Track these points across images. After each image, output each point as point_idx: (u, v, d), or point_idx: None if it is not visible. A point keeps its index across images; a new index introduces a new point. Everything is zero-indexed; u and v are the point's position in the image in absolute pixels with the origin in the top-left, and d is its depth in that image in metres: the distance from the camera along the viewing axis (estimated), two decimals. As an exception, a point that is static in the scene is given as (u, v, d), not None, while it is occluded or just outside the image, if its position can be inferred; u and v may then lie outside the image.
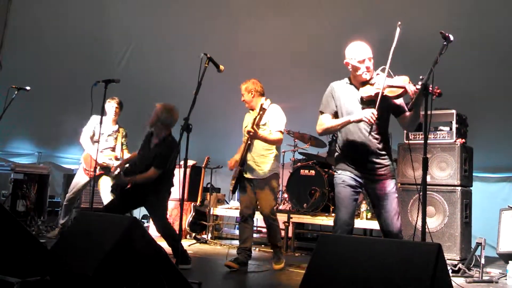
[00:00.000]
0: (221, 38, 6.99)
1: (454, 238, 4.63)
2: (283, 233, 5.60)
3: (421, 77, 2.87)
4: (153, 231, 6.51)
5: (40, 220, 6.39)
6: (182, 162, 3.29)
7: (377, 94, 3.08)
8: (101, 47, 7.58)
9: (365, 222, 5.62)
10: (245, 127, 4.56)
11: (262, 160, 4.49)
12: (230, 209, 6.86)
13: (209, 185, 7.03)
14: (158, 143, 4.32)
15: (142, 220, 7.86)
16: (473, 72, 6.17)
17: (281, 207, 6.49)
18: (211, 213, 6.73)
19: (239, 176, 4.52)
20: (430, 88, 2.85)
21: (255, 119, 4.21)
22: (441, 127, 4.95)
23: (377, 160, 3.25)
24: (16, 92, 5.31)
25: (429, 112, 2.81)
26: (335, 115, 3.33)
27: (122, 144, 5.71)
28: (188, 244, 6.00)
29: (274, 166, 4.51)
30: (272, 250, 4.77)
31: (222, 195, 7.42)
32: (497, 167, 6.96)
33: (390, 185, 3.25)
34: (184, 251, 4.35)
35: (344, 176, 3.27)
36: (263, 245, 6.30)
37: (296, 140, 6.74)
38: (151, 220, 6.76)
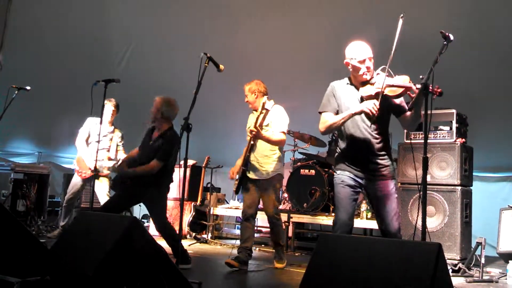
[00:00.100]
0: (221, 38, 7.00)
1: (454, 237, 4.63)
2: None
3: (421, 76, 2.86)
4: (153, 230, 6.53)
5: (40, 220, 6.39)
6: (182, 162, 3.29)
7: (377, 93, 3.08)
8: (101, 47, 7.58)
9: (365, 222, 5.62)
10: (249, 127, 4.57)
11: (266, 160, 4.51)
12: (230, 209, 6.86)
13: (209, 185, 7.03)
14: (160, 136, 4.31)
15: (142, 220, 7.85)
16: (473, 72, 6.17)
17: (281, 207, 6.48)
18: (211, 212, 6.73)
19: (242, 176, 4.53)
20: (430, 88, 2.85)
21: (257, 118, 4.24)
22: (441, 127, 4.95)
23: (377, 161, 3.25)
24: (16, 92, 5.31)
25: (429, 112, 2.81)
26: (337, 114, 3.32)
27: (117, 145, 5.72)
28: (188, 243, 6.00)
29: (277, 166, 4.55)
30: (273, 250, 4.78)
31: (222, 194, 7.41)
32: (497, 167, 6.96)
33: (390, 186, 3.25)
34: (184, 251, 4.35)
35: (344, 176, 3.27)
36: (263, 245, 6.30)
37: (296, 139, 6.74)
38: (151, 219, 6.80)
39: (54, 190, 8.01)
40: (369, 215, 5.65)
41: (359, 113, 3.13)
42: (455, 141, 4.81)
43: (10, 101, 5.21)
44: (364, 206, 5.68)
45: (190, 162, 6.39)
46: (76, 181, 5.72)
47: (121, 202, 4.37)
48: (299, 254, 5.72)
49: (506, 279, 4.38)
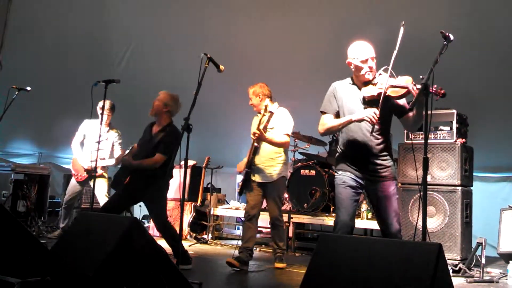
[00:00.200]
0: (221, 38, 7.00)
1: (454, 238, 4.63)
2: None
3: (421, 77, 2.86)
4: (153, 231, 6.53)
5: (40, 221, 6.39)
6: (182, 162, 3.29)
7: (379, 94, 3.07)
8: (101, 47, 7.59)
9: (365, 222, 5.62)
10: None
11: (271, 163, 4.55)
12: (230, 209, 6.86)
13: (209, 185, 7.03)
14: (161, 130, 4.31)
15: (143, 221, 7.85)
16: (473, 72, 6.17)
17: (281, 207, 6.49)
18: (211, 213, 6.73)
19: (247, 178, 4.55)
20: (434, 89, 2.85)
21: (261, 121, 4.28)
22: (441, 127, 4.95)
23: (379, 161, 3.24)
24: (16, 93, 5.32)
25: (429, 112, 2.81)
26: (337, 115, 3.31)
27: (113, 145, 5.72)
28: (188, 244, 6.00)
29: (283, 169, 4.59)
30: (274, 250, 4.79)
31: (222, 195, 7.41)
32: (498, 167, 6.95)
33: (391, 187, 3.24)
34: (185, 251, 4.35)
35: (345, 177, 3.26)
36: (263, 245, 6.30)
37: (296, 140, 6.74)
38: (151, 220, 6.80)
39: (55, 190, 8.01)
40: (370, 215, 5.65)
41: (359, 121, 3.14)
42: (456, 141, 4.81)
43: (10, 102, 5.21)
44: (364, 207, 5.68)
45: (190, 162, 6.39)
46: (73, 183, 5.78)
47: (121, 202, 4.36)
48: (300, 255, 5.72)
49: (506, 279, 4.38)
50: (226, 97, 7.57)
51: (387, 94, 3.06)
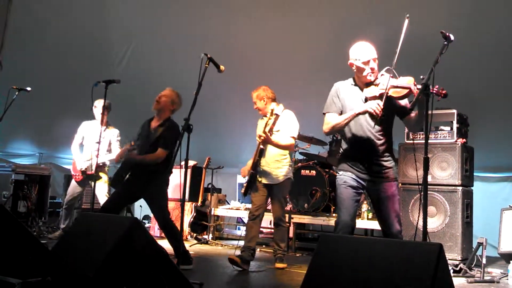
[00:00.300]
0: (221, 38, 7.00)
1: (455, 238, 4.63)
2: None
3: (421, 77, 2.86)
4: (153, 231, 6.54)
5: (41, 221, 6.40)
6: (183, 163, 3.29)
7: (381, 94, 3.07)
8: (101, 47, 7.58)
9: (366, 222, 5.62)
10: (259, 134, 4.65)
11: (277, 165, 4.60)
12: (231, 210, 6.86)
13: (210, 186, 7.03)
14: (160, 124, 4.31)
15: (143, 221, 7.85)
16: (473, 72, 6.17)
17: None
18: (212, 213, 6.73)
19: (251, 179, 4.58)
20: (436, 89, 2.85)
21: (266, 124, 4.34)
22: (442, 127, 4.95)
23: (380, 162, 3.24)
24: (16, 93, 5.32)
25: (429, 112, 2.81)
26: (341, 115, 3.31)
27: (110, 143, 5.73)
28: (189, 244, 6.00)
29: (288, 171, 4.65)
30: (274, 250, 4.80)
31: (223, 195, 7.41)
32: (498, 167, 6.95)
33: (392, 187, 3.23)
34: (186, 251, 4.35)
35: (346, 177, 3.26)
36: (264, 246, 6.30)
37: (296, 140, 6.73)
38: (151, 220, 6.80)
39: (55, 191, 8.01)
40: (370, 215, 5.65)
41: (363, 113, 3.12)
42: (456, 141, 4.81)
43: (10, 102, 5.21)
44: (365, 207, 5.67)
45: (191, 163, 6.39)
46: (74, 184, 5.83)
47: (122, 200, 4.37)
48: (300, 255, 5.72)
49: (507, 279, 4.38)
50: (226, 97, 7.57)
51: (389, 94, 3.06)
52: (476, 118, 5.42)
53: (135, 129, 5.28)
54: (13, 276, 2.85)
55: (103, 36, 7.52)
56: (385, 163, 3.25)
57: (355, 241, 2.55)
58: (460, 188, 4.70)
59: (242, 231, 7.65)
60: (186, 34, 7.24)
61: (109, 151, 5.71)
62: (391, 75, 3.06)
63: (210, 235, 6.63)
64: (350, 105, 3.27)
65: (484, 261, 4.37)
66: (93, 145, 5.52)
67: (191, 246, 5.96)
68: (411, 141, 4.97)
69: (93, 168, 5.51)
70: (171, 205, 6.41)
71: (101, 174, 5.69)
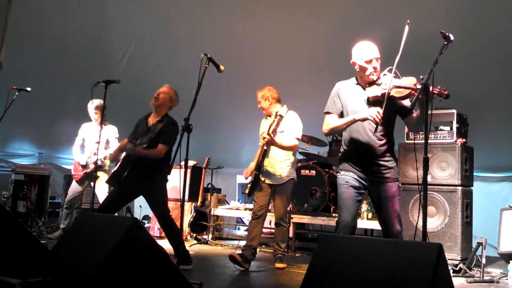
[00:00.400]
0: (221, 38, 7.00)
1: (455, 238, 4.63)
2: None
3: (421, 77, 2.86)
4: (153, 231, 6.54)
5: (41, 221, 6.40)
6: (182, 163, 3.29)
7: (383, 94, 3.07)
8: (101, 47, 7.58)
9: (366, 222, 5.62)
10: (262, 133, 4.68)
11: (280, 166, 4.63)
12: (230, 210, 6.86)
13: (209, 186, 7.03)
14: (159, 121, 4.32)
15: (143, 221, 7.85)
16: (473, 72, 6.17)
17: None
18: (211, 213, 6.73)
19: (255, 180, 4.61)
20: (438, 90, 2.86)
21: (271, 125, 4.38)
22: (441, 127, 4.96)
23: (382, 162, 3.24)
24: (16, 93, 5.33)
25: (429, 112, 2.81)
26: (341, 115, 3.31)
27: (108, 142, 5.75)
28: (189, 244, 5.99)
29: (291, 171, 4.67)
30: (274, 250, 4.81)
31: (222, 195, 7.41)
32: (498, 167, 6.95)
33: (393, 188, 3.23)
34: (186, 251, 4.35)
35: (348, 177, 3.26)
36: (263, 246, 6.30)
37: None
38: (151, 220, 6.80)
39: (55, 191, 8.02)
40: (370, 215, 5.64)
41: (362, 120, 3.13)
42: (456, 141, 4.81)
43: (10, 103, 5.21)
44: (365, 207, 5.67)
45: (191, 163, 6.38)
46: (75, 184, 5.85)
47: (121, 199, 4.37)
48: (300, 255, 5.72)
49: (507, 279, 4.38)
50: (226, 97, 7.56)
51: (391, 94, 3.06)
52: (476, 118, 5.42)
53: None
54: (13, 276, 2.85)
55: (103, 36, 7.52)
56: (386, 163, 3.25)
57: (355, 241, 2.56)
58: (460, 188, 4.70)
59: (242, 231, 7.65)
60: (186, 34, 7.24)
61: (107, 148, 5.72)
62: (394, 75, 3.06)
63: (210, 235, 6.63)
64: (351, 105, 3.27)
65: (483, 261, 4.37)
66: (93, 145, 5.54)
67: (191, 246, 5.96)
68: (411, 141, 4.98)
69: (92, 164, 5.53)
70: (170, 205, 6.41)
71: (101, 174, 5.69)
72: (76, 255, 2.89)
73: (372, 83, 3.23)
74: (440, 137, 4.90)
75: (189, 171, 6.09)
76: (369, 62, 3.20)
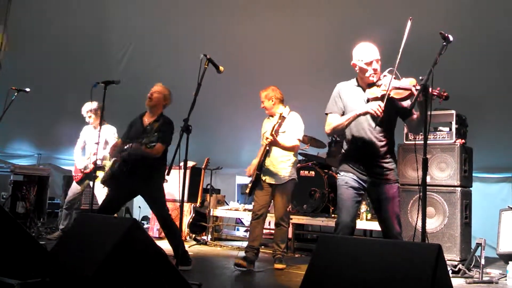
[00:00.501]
0: (221, 39, 6.99)
1: (454, 238, 4.63)
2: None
3: (420, 77, 2.86)
4: (152, 232, 6.54)
5: (40, 222, 6.40)
6: (182, 163, 3.28)
7: (383, 96, 3.08)
8: (101, 47, 7.58)
9: (365, 223, 5.61)
10: (264, 133, 4.72)
11: (282, 166, 4.65)
12: (230, 211, 6.85)
13: (209, 186, 7.03)
14: (155, 120, 4.34)
15: (142, 222, 7.85)
16: (473, 72, 6.17)
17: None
18: (211, 214, 6.73)
19: (256, 179, 4.64)
20: (437, 91, 2.86)
21: (274, 126, 4.42)
22: (440, 128, 4.96)
23: (382, 164, 3.24)
24: (15, 94, 5.32)
25: (428, 113, 2.81)
26: (342, 116, 3.32)
27: (106, 142, 5.75)
28: (188, 245, 5.99)
29: (292, 171, 4.70)
30: (274, 251, 4.82)
31: (222, 196, 7.41)
32: (497, 168, 6.95)
33: (393, 189, 3.24)
34: (185, 252, 4.35)
35: (347, 178, 3.26)
36: (263, 246, 6.28)
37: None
38: (151, 221, 6.80)
39: (54, 192, 8.01)
40: (369, 216, 5.64)
41: (364, 114, 3.13)
42: (455, 142, 4.81)
43: (9, 103, 5.21)
44: (364, 207, 5.67)
45: (190, 163, 6.38)
46: (74, 185, 5.87)
47: (120, 201, 4.40)
48: (299, 256, 5.72)
49: (506, 280, 4.38)
50: (226, 98, 7.56)
51: (390, 96, 3.06)
52: (476, 118, 5.42)
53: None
54: (12, 277, 2.85)
55: (103, 36, 7.51)
56: (386, 165, 3.25)
57: (354, 242, 2.56)
58: (459, 189, 4.70)
59: (241, 232, 7.65)
60: (186, 34, 7.24)
61: (106, 149, 5.73)
62: (394, 76, 3.07)
63: (209, 236, 6.63)
64: (352, 106, 3.27)
65: (482, 261, 4.37)
66: (93, 146, 5.55)
67: (190, 247, 5.95)
68: (411, 142, 4.98)
69: (91, 164, 5.54)
70: (169, 206, 6.42)
71: (100, 174, 5.69)
72: (75, 256, 2.88)
73: (372, 84, 3.23)
74: (439, 138, 4.90)
75: (188, 171, 6.10)
76: (369, 64, 3.20)
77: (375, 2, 6.26)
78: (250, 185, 4.73)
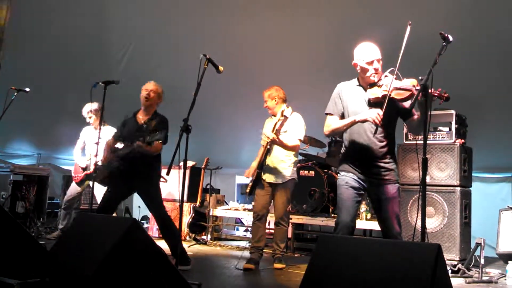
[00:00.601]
0: (221, 39, 6.99)
1: (453, 238, 4.63)
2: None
3: (420, 78, 2.86)
4: (152, 232, 6.54)
5: (39, 222, 6.39)
6: (181, 163, 3.29)
7: (384, 96, 3.07)
8: (101, 47, 7.58)
9: (364, 223, 5.61)
10: (263, 133, 4.74)
11: (282, 165, 4.67)
12: (229, 210, 6.86)
13: (208, 186, 7.03)
14: (151, 118, 4.38)
15: (142, 222, 7.85)
16: (473, 72, 6.17)
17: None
18: (210, 214, 6.73)
19: (257, 178, 4.65)
20: (438, 92, 2.86)
21: (275, 124, 4.46)
22: (440, 128, 4.96)
23: (382, 164, 3.24)
24: (15, 94, 5.32)
25: (428, 113, 2.81)
26: (342, 117, 3.32)
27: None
28: (187, 245, 5.99)
29: (292, 172, 4.71)
30: (273, 251, 4.82)
31: (221, 196, 7.41)
32: (496, 168, 6.95)
33: (393, 190, 3.24)
34: (184, 252, 4.35)
35: (347, 178, 3.27)
36: (262, 246, 6.29)
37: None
38: (150, 221, 6.80)
39: (54, 191, 8.01)
40: (369, 215, 5.64)
41: (362, 121, 3.14)
42: (455, 142, 4.81)
43: (9, 103, 5.21)
44: (363, 207, 5.67)
45: (190, 163, 6.39)
46: (74, 185, 5.88)
47: (118, 199, 4.44)
48: (299, 255, 5.72)
49: (505, 279, 4.38)
50: (225, 98, 7.56)
51: (391, 96, 3.06)
52: (476, 118, 5.42)
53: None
54: (12, 276, 2.85)
55: (103, 36, 7.51)
56: (386, 165, 3.25)
57: (353, 241, 2.56)
58: (459, 188, 4.70)
59: (240, 231, 7.65)
60: (186, 34, 7.24)
61: None
62: (395, 76, 3.06)
63: (209, 236, 6.63)
64: (352, 107, 3.27)
65: (482, 261, 4.37)
66: (93, 147, 5.55)
67: (190, 246, 5.95)
68: (411, 142, 4.99)
69: (92, 165, 5.54)
70: (169, 205, 6.44)
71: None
72: (74, 255, 2.88)
73: (373, 84, 3.23)
74: (439, 137, 4.91)
75: (188, 171, 6.10)
76: (370, 63, 3.20)
77: (375, 2, 6.26)
78: (250, 184, 4.75)
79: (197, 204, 6.69)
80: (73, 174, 5.91)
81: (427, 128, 2.81)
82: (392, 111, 3.18)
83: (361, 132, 3.24)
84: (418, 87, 2.97)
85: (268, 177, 4.66)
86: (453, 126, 4.87)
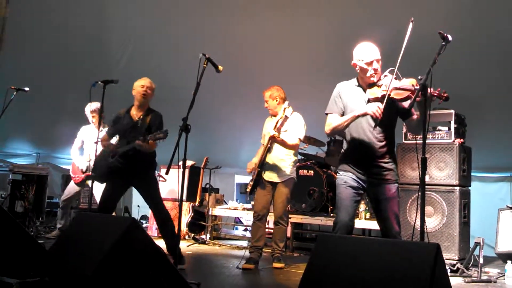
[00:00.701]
0: (221, 38, 6.99)
1: (452, 238, 4.64)
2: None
3: (419, 77, 2.86)
4: (151, 231, 6.54)
5: (38, 221, 6.39)
6: (181, 163, 3.29)
7: (383, 96, 3.08)
8: (101, 47, 7.58)
9: (363, 222, 5.61)
10: (263, 134, 4.77)
11: (282, 164, 4.69)
12: (228, 210, 6.86)
13: (208, 186, 7.03)
14: (145, 114, 4.38)
15: (141, 221, 7.85)
16: (473, 72, 6.17)
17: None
18: (209, 213, 6.73)
19: (257, 177, 4.67)
20: (437, 92, 2.86)
21: (277, 123, 4.50)
22: (439, 127, 4.96)
23: (381, 164, 3.24)
24: (14, 93, 5.32)
25: (428, 112, 2.81)
26: (343, 116, 3.32)
27: None
28: (187, 244, 6.00)
29: (292, 170, 4.74)
30: (273, 250, 4.82)
31: (221, 195, 7.41)
32: (495, 167, 6.96)
33: (392, 189, 3.24)
34: (179, 250, 4.34)
35: (347, 177, 3.27)
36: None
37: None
38: (149, 221, 6.80)
39: (53, 191, 8.00)
40: (368, 215, 5.64)
41: (363, 115, 3.13)
42: (454, 141, 4.82)
43: (8, 102, 5.21)
44: (362, 207, 5.67)
45: (189, 162, 6.39)
46: (72, 184, 5.89)
47: (118, 196, 4.45)
48: (298, 255, 5.73)
49: (504, 279, 4.38)
50: (225, 97, 7.56)
51: (390, 96, 3.06)
52: (476, 118, 5.43)
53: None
54: (11, 276, 2.85)
55: (103, 36, 7.51)
56: (385, 165, 3.25)
57: (352, 241, 2.56)
58: (458, 188, 4.71)
59: (240, 231, 7.65)
60: (186, 34, 7.24)
61: None
62: (394, 76, 3.06)
63: (208, 235, 6.63)
64: (352, 106, 3.27)
65: (481, 261, 4.38)
66: (92, 147, 5.55)
67: (189, 246, 5.96)
68: (410, 141, 4.99)
69: (91, 168, 5.54)
70: (169, 205, 6.44)
71: None
72: (74, 255, 2.89)
73: (372, 84, 3.23)
74: (438, 137, 4.91)
75: (187, 171, 6.11)
76: (370, 64, 3.20)
77: (375, 2, 6.26)
78: (251, 183, 4.76)
79: (196, 203, 6.70)
80: (71, 174, 5.90)
81: (426, 128, 2.81)
82: (391, 111, 3.18)
83: (360, 132, 3.25)
84: (417, 87, 2.97)
85: (268, 176, 4.68)
86: (452, 125, 4.87)
